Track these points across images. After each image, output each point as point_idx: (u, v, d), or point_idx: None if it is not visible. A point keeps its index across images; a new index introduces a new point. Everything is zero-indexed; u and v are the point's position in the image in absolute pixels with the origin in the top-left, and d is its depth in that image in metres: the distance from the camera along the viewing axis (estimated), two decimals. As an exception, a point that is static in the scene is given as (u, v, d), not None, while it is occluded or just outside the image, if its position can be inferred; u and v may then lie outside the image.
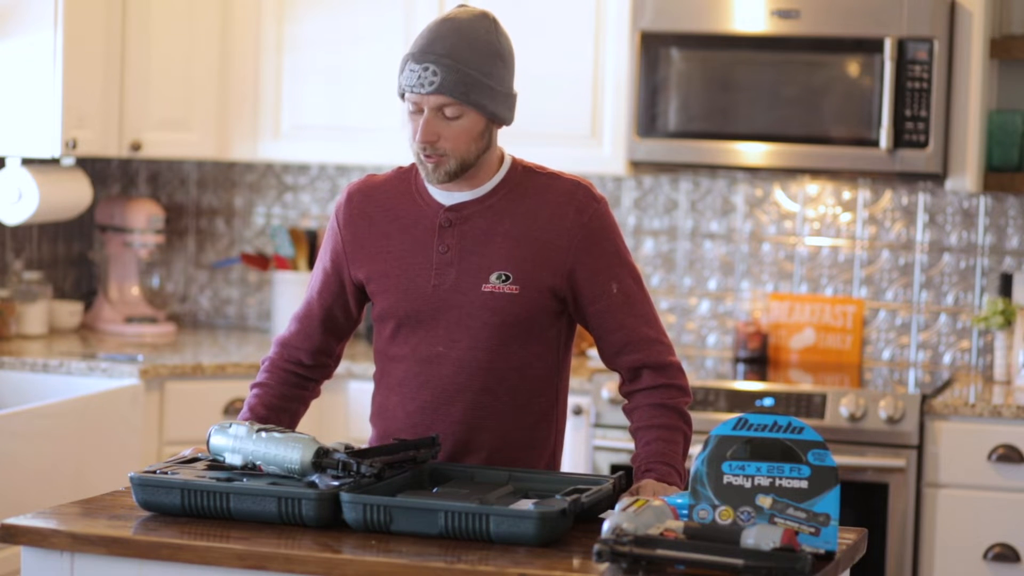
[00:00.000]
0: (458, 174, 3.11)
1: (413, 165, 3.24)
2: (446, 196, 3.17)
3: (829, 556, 2.72)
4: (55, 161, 5.33)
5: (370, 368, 3.41)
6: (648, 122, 5.04)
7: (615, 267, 3.17)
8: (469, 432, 3.17)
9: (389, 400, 3.23)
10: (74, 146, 5.07)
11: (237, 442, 2.99)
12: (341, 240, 3.24)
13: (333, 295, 3.27)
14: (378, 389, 3.27)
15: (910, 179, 5.24)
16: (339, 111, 5.40)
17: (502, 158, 3.20)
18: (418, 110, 3.07)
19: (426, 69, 3.04)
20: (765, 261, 5.45)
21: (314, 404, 3.36)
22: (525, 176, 3.19)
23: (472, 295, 3.13)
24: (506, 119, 3.14)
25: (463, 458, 3.17)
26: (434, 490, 2.97)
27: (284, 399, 3.29)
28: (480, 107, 3.07)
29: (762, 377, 5.14)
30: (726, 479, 2.73)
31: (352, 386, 5.08)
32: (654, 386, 3.17)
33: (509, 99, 3.13)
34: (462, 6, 3.15)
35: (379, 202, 3.22)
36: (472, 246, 3.14)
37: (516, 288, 3.13)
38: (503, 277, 3.13)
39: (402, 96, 3.11)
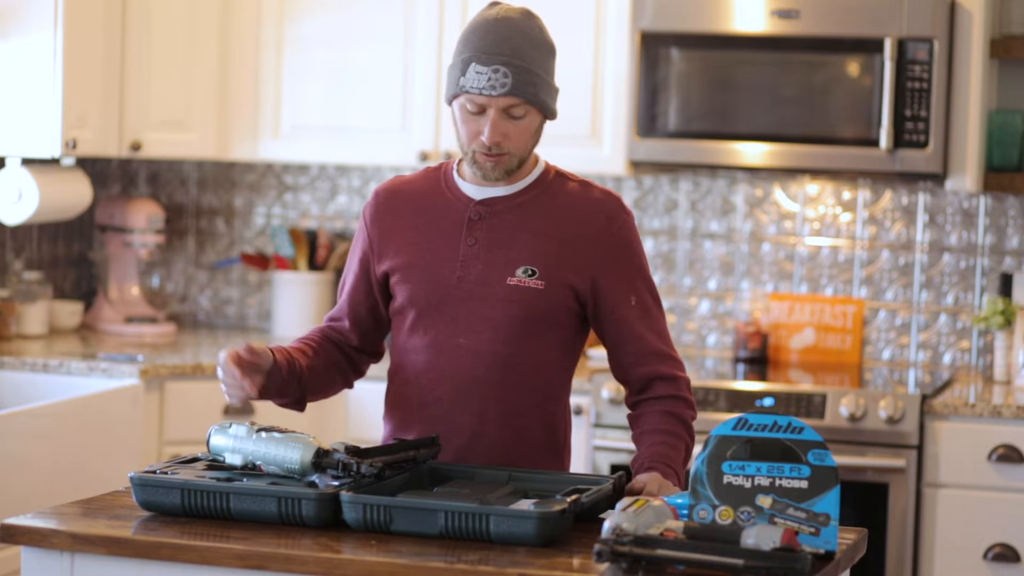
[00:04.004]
0: (515, 170, 3.14)
1: (442, 164, 3.25)
2: (477, 191, 3.18)
3: (829, 556, 2.72)
4: (55, 161, 5.33)
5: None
6: (648, 122, 5.04)
7: (636, 279, 3.20)
8: (483, 425, 3.16)
9: (404, 392, 3.22)
10: (74, 146, 5.07)
11: (237, 442, 2.99)
12: (368, 238, 3.24)
13: (363, 293, 3.26)
14: (392, 383, 3.26)
15: (910, 179, 5.23)
16: (339, 111, 5.40)
17: (536, 159, 3.21)
18: (480, 110, 3.08)
19: (496, 71, 3.05)
20: (765, 261, 5.45)
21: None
22: (558, 179, 3.21)
23: (497, 287, 3.14)
24: (555, 113, 3.17)
25: (476, 451, 3.17)
26: (434, 490, 2.97)
27: (323, 354, 3.26)
28: (544, 106, 3.11)
29: (762, 377, 5.13)
30: (726, 479, 2.73)
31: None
32: (663, 396, 3.19)
33: (557, 94, 3.17)
34: (496, 3, 3.14)
35: (407, 198, 3.23)
36: (500, 240, 3.15)
37: (541, 283, 3.14)
38: (529, 272, 3.14)
39: (453, 97, 3.11)
